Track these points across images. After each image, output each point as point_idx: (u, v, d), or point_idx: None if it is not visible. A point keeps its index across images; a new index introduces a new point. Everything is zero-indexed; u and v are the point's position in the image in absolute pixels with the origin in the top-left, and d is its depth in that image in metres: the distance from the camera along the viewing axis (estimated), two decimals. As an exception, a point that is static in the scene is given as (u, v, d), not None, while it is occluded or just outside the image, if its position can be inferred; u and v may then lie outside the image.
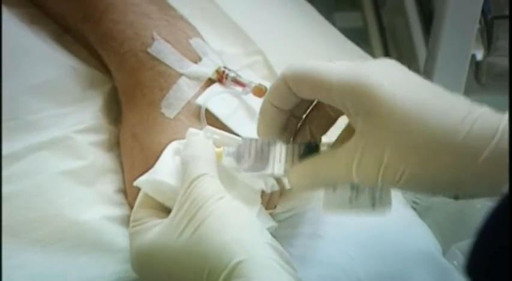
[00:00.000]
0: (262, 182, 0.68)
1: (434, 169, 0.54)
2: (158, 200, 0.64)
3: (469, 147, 0.52)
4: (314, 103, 0.64)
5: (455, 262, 0.76)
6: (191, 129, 0.67)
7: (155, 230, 0.60)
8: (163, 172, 0.64)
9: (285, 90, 0.60)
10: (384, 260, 0.72)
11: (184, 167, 0.63)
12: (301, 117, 0.64)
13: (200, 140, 0.65)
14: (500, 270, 0.38)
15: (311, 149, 0.63)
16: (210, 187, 0.60)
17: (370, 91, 0.55)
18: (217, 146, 0.66)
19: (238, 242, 0.56)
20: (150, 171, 0.65)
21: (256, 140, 0.64)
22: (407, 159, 0.54)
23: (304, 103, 0.63)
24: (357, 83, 0.56)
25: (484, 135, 0.52)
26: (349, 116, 0.58)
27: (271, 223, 0.69)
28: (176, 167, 0.64)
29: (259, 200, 0.68)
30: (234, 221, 0.58)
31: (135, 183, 0.65)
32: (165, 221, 0.60)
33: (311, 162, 0.61)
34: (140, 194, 0.64)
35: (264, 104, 0.63)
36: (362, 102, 0.56)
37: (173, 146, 0.67)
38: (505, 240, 0.37)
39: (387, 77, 0.56)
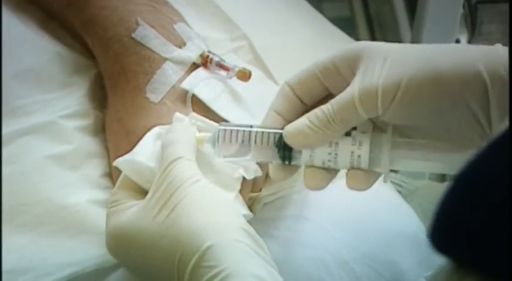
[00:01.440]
0: (241, 169, 0.68)
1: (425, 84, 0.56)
2: (136, 181, 0.64)
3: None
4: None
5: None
6: (177, 115, 0.68)
7: (131, 212, 0.61)
8: (143, 153, 0.65)
9: (290, 97, 0.63)
10: (369, 241, 0.72)
11: (163, 151, 0.63)
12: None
13: (182, 125, 0.66)
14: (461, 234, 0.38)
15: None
16: (186, 170, 0.61)
17: (369, 44, 0.60)
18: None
19: (211, 225, 0.57)
20: (130, 152, 0.66)
21: (238, 126, 0.63)
22: (402, 72, 0.57)
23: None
24: (356, 47, 0.61)
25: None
26: (349, 75, 0.60)
27: (246, 212, 0.68)
28: (156, 150, 0.65)
29: (238, 186, 0.68)
30: (208, 205, 0.59)
31: (114, 163, 0.65)
32: (141, 202, 0.61)
33: (312, 111, 0.61)
34: (120, 176, 0.65)
35: (268, 115, 0.63)
36: (362, 54, 0.59)
37: (155, 130, 0.68)
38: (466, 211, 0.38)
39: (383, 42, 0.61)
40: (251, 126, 0.63)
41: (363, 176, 0.61)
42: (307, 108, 0.62)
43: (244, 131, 0.63)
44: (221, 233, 0.56)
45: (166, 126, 0.67)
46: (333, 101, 0.59)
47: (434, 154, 0.60)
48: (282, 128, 0.62)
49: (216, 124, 0.67)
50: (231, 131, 0.63)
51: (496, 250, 0.36)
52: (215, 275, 0.54)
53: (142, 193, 0.64)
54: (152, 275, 0.60)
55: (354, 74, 0.60)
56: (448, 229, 0.39)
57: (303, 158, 0.61)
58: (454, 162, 0.59)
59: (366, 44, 0.60)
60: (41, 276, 0.65)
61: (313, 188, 0.62)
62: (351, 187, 0.61)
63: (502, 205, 0.36)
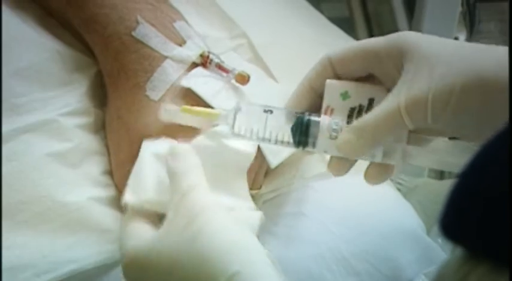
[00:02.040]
0: (255, 147, 0.68)
1: (477, 95, 0.55)
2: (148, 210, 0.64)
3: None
4: None
5: (439, 240, 0.77)
6: (166, 106, 0.68)
7: (149, 236, 0.60)
8: (147, 188, 0.64)
9: (328, 71, 0.62)
10: (368, 238, 0.73)
11: (174, 179, 0.62)
12: None
13: (186, 150, 0.64)
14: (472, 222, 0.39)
15: (303, 118, 0.62)
16: (206, 197, 0.60)
17: (412, 38, 0.59)
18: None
19: (237, 251, 0.56)
20: (133, 182, 0.65)
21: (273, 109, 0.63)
22: (455, 80, 0.55)
23: None
24: (398, 38, 0.59)
25: None
26: (395, 72, 0.59)
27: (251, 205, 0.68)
28: (159, 178, 0.64)
29: (246, 169, 0.68)
30: (232, 231, 0.58)
31: (125, 201, 0.64)
32: (161, 228, 0.59)
33: (357, 120, 0.60)
34: (129, 208, 0.64)
35: (301, 84, 0.64)
36: (405, 49, 0.58)
37: (150, 149, 0.67)
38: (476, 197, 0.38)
39: (427, 35, 0.60)
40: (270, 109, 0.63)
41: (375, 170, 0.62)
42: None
43: (264, 109, 0.63)
44: (249, 259, 0.55)
45: (159, 142, 0.67)
46: (378, 110, 0.59)
47: (447, 150, 0.60)
48: (303, 112, 0.62)
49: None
50: (251, 107, 0.63)
51: (507, 238, 0.37)
52: None
53: (156, 219, 0.63)
54: None
55: (397, 71, 0.59)
56: (459, 218, 0.39)
57: (318, 147, 0.62)
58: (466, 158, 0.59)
59: (411, 40, 0.59)
60: (42, 273, 0.65)
61: (335, 174, 0.63)
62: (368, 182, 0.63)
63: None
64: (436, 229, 0.79)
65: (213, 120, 0.64)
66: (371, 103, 0.62)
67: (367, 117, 0.59)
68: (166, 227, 0.59)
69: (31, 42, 0.75)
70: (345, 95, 0.62)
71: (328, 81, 0.62)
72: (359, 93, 0.62)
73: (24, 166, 0.69)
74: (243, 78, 0.73)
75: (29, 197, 0.67)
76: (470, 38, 1.00)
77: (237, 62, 0.78)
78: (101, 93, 0.76)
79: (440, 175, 1.01)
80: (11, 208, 0.67)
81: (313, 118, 0.62)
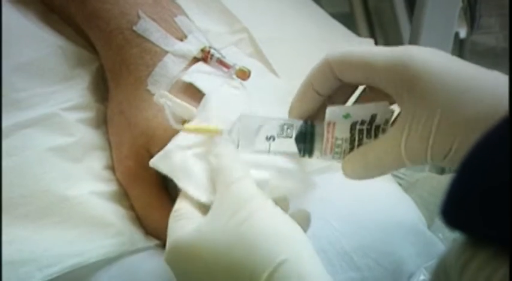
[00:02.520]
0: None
1: None
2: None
3: None
4: (358, 91, 0.66)
5: (440, 235, 0.77)
6: (161, 92, 0.68)
7: (196, 223, 0.60)
8: (193, 185, 0.65)
9: (327, 74, 0.63)
10: (369, 232, 0.73)
11: (220, 174, 0.62)
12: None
13: (229, 150, 0.65)
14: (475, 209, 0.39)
15: (307, 128, 0.64)
16: (252, 188, 0.61)
17: (414, 65, 0.58)
18: (177, 116, 0.68)
19: (285, 239, 0.56)
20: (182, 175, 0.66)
21: (278, 120, 0.65)
22: (456, 130, 0.56)
23: (344, 91, 0.65)
24: (400, 59, 0.58)
25: None
26: (395, 96, 0.60)
27: None
28: (202, 176, 0.65)
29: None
30: (280, 220, 0.59)
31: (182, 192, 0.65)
32: (208, 215, 0.60)
33: (360, 150, 0.62)
34: (180, 194, 0.65)
35: (303, 85, 0.65)
36: (406, 76, 0.58)
37: (186, 145, 0.68)
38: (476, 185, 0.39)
39: (430, 54, 0.58)
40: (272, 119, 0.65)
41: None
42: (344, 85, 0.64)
43: (267, 120, 0.64)
44: (296, 248, 0.56)
45: (191, 138, 0.67)
46: (378, 145, 0.61)
47: None
48: (305, 120, 0.64)
49: (187, 105, 0.69)
50: (252, 119, 0.64)
51: (508, 221, 0.37)
52: None
53: (204, 208, 0.63)
54: None
55: (394, 90, 0.59)
56: (461, 203, 0.39)
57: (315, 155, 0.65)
58: None
59: (412, 66, 0.58)
60: (43, 267, 0.65)
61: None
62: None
63: None
64: (437, 223, 0.79)
65: (216, 136, 0.66)
66: (373, 118, 0.63)
67: (368, 148, 0.61)
68: (212, 215, 0.60)
69: (32, 38, 0.75)
70: (346, 116, 0.63)
71: (328, 108, 0.63)
72: (361, 113, 0.63)
73: (25, 161, 0.69)
74: (244, 74, 0.73)
75: (31, 191, 0.67)
76: (471, 32, 1.00)
77: (237, 56, 0.78)
78: (102, 88, 0.76)
79: (441, 169, 1.01)
80: (13, 202, 0.67)
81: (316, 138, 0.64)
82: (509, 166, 0.37)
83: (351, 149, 0.63)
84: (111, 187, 0.71)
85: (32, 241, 0.66)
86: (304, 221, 0.65)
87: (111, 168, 0.73)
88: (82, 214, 0.68)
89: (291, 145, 0.64)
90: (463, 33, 1.02)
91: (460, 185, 0.40)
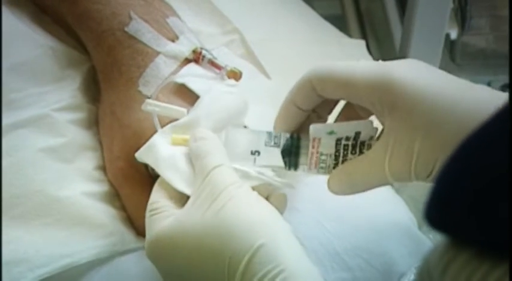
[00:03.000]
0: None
1: None
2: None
3: None
4: (341, 104, 0.66)
5: (430, 236, 0.77)
6: (148, 101, 0.68)
7: (174, 216, 0.60)
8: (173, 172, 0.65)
9: (308, 91, 0.63)
10: (360, 233, 0.73)
11: (198, 160, 0.63)
12: (325, 117, 0.67)
13: (210, 135, 0.66)
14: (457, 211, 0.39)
15: (293, 141, 0.65)
16: (229, 175, 0.61)
17: (394, 86, 0.57)
18: (164, 120, 0.68)
19: (262, 224, 0.57)
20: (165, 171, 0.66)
21: (264, 133, 0.65)
22: (438, 150, 0.56)
23: (328, 103, 0.66)
24: (381, 79, 0.58)
25: None
26: (376, 113, 0.60)
27: None
28: (187, 169, 0.65)
29: None
30: (255, 205, 0.59)
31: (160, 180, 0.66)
32: (185, 207, 0.61)
33: (345, 168, 0.63)
34: (156, 185, 0.65)
35: (285, 102, 0.65)
36: (387, 97, 0.58)
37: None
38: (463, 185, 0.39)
39: (411, 73, 0.58)
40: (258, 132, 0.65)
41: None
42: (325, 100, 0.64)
43: (252, 133, 0.65)
44: (273, 232, 0.57)
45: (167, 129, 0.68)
46: (362, 164, 0.61)
47: None
48: (291, 134, 0.65)
49: (175, 107, 0.68)
50: (238, 132, 0.65)
51: (490, 222, 0.37)
52: (269, 271, 0.54)
53: (181, 201, 0.64)
54: (199, 278, 0.59)
55: (380, 114, 0.60)
56: (442, 205, 0.40)
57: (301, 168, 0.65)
58: None
59: (394, 85, 0.58)
60: (36, 267, 0.65)
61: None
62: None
63: (498, 179, 0.37)
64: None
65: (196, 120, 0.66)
66: (358, 135, 0.63)
67: (352, 165, 0.62)
68: (191, 205, 0.60)
69: (24, 39, 0.75)
70: (331, 133, 0.63)
71: (312, 126, 0.63)
72: (345, 130, 0.63)
73: (17, 161, 0.69)
74: (235, 75, 0.73)
75: (23, 191, 0.67)
76: (462, 34, 1.00)
77: (229, 57, 0.78)
78: (94, 89, 0.76)
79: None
80: (5, 203, 0.67)
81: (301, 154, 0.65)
82: (493, 167, 0.37)
83: (336, 164, 0.64)
84: (103, 187, 0.71)
85: (24, 242, 0.66)
86: (280, 204, 0.66)
87: (103, 168, 0.73)
88: (74, 214, 0.68)
89: (277, 159, 0.65)
90: (454, 35, 1.02)
91: (443, 186, 0.40)
